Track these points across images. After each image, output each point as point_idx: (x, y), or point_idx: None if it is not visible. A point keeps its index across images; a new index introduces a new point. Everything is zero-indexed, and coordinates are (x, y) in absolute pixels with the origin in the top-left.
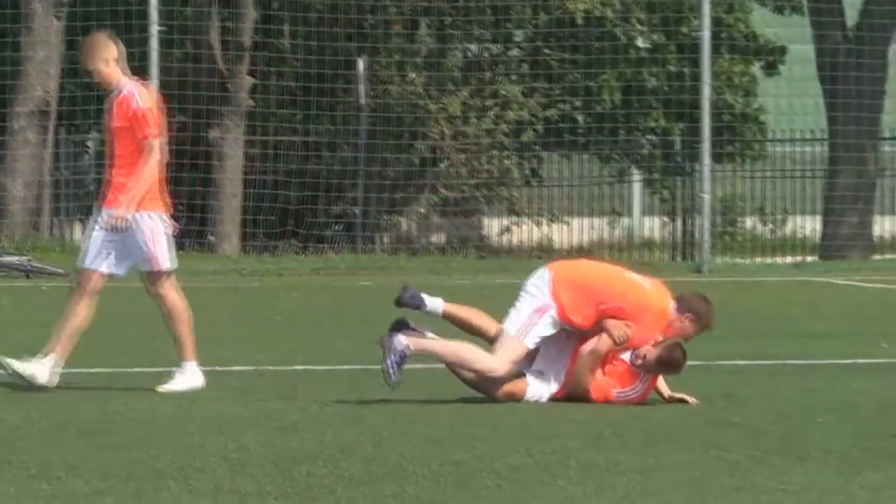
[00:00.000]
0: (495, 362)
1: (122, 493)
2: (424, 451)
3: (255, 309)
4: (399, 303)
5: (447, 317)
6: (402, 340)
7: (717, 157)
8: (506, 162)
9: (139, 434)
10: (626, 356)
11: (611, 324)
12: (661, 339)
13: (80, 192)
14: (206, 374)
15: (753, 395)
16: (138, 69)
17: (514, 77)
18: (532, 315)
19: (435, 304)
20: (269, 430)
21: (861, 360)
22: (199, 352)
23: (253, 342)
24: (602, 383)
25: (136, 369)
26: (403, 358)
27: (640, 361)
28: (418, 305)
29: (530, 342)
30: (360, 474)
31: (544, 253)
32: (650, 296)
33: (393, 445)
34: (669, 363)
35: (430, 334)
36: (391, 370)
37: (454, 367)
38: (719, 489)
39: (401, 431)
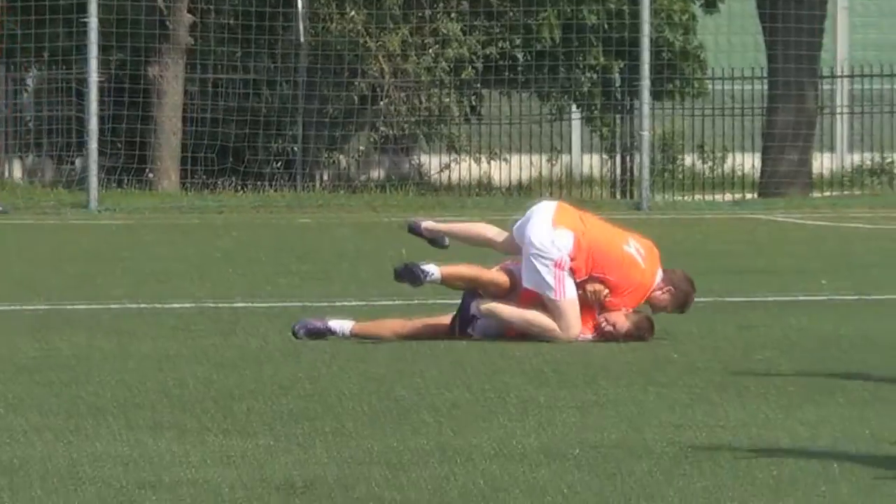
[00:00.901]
0: (570, 332)
1: (62, 429)
2: (363, 388)
3: (194, 246)
4: (398, 277)
5: (446, 281)
6: (473, 305)
7: (656, 95)
8: (445, 99)
9: (79, 371)
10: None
11: (591, 291)
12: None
13: (19, 130)
14: (145, 311)
15: (693, 331)
16: (78, 7)
17: (453, 14)
18: (557, 272)
19: (433, 271)
20: (209, 366)
21: (800, 297)
22: (140, 288)
23: (192, 279)
24: None
25: (77, 306)
26: (473, 319)
27: (608, 328)
28: (420, 279)
29: (573, 293)
30: (299, 410)
31: (484, 190)
32: (641, 272)
33: (332, 382)
34: (637, 339)
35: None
36: (455, 331)
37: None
38: (658, 425)
39: (340, 368)
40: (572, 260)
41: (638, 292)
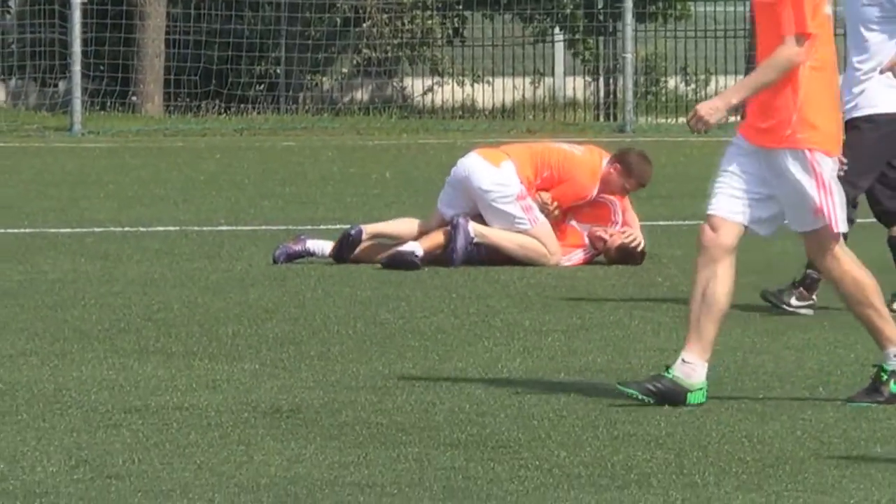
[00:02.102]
0: (558, 254)
1: (48, 353)
2: (349, 312)
3: (178, 169)
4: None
5: (428, 253)
6: (470, 227)
7: (639, 17)
8: (428, 22)
9: (64, 295)
10: (582, 229)
11: (540, 203)
12: (594, 194)
13: (3, 53)
14: (129, 234)
15: (677, 255)
16: None
17: None
18: (522, 203)
19: (416, 249)
20: (194, 290)
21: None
22: (124, 212)
23: (176, 202)
24: None
25: (62, 230)
26: (470, 243)
27: (604, 236)
28: (416, 263)
29: (542, 216)
30: (284, 335)
31: (467, 113)
32: (579, 159)
33: (317, 306)
34: (627, 256)
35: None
36: (458, 254)
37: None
38: (643, 349)
39: (325, 292)
40: (522, 183)
41: (582, 170)
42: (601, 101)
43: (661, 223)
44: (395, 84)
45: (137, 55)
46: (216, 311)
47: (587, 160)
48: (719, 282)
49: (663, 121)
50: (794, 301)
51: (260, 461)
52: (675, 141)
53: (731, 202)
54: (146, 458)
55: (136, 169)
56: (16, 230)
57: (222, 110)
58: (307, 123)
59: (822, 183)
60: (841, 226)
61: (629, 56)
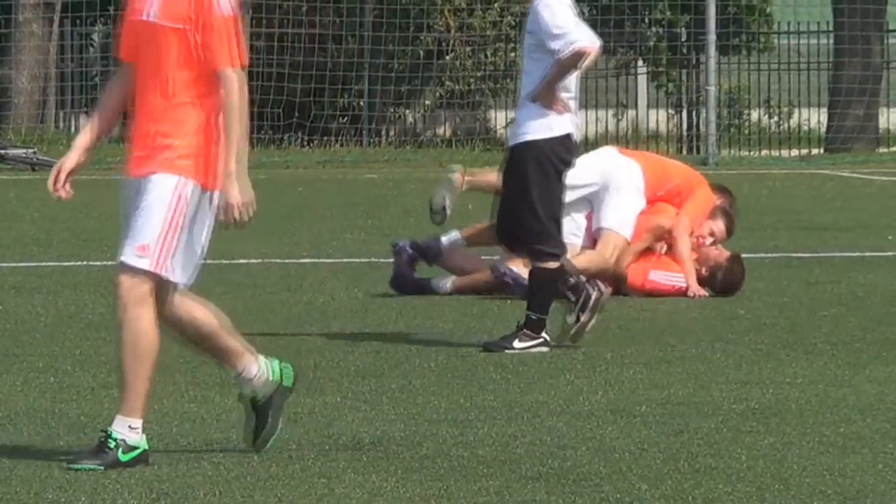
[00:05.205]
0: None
1: None
2: (430, 344)
3: (260, 202)
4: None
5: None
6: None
7: (722, 50)
8: (511, 54)
9: None
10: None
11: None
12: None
13: (85, 85)
14: (211, 267)
15: (759, 288)
16: None
17: None
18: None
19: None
20: (276, 323)
21: (867, 253)
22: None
23: (259, 235)
24: (640, 268)
25: None
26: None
27: (708, 240)
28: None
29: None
30: (366, 367)
31: None
32: (700, 178)
33: (399, 338)
34: (728, 275)
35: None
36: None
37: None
38: (725, 382)
39: (406, 324)
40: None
41: (702, 194)
42: (684, 133)
43: (745, 255)
44: (477, 116)
45: None
46: (298, 344)
47: (706, 191)
48: (151, 329)
49: (746, 153)
50: (517, 343)
51: (341, 494)
52: (757, 174)
53: None
54: (227, 491)
55: None
56: (98, 262)
57: (305, 143)
58: (390, 156)
59: (173, 220)
60: (176, 275)
61: (712, 88)
